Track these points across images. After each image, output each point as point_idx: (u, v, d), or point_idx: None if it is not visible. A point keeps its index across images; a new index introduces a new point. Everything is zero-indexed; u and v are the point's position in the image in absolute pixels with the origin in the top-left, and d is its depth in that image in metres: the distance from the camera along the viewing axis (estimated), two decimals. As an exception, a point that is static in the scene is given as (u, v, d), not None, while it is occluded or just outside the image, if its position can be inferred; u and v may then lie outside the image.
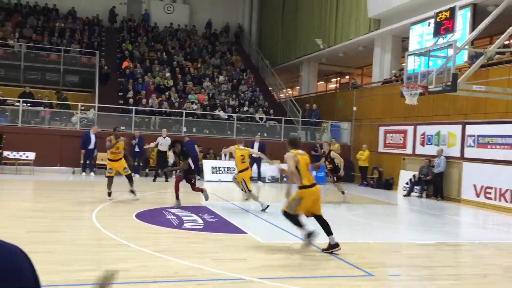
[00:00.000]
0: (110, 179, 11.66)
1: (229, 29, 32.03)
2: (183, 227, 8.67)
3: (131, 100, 21.05)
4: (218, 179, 18.47)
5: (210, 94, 23.76)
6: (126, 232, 7.86)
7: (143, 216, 9.59)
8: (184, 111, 20.87)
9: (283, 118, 22.47)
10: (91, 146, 17.79)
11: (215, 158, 19.71)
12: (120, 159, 11.76)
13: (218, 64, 27.33)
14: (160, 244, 7.15)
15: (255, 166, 18.55)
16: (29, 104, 19.18)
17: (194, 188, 11.34)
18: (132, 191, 11.77)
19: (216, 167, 18.97)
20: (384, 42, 21.69)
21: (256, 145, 18.67)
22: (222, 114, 21.91)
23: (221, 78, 25.79)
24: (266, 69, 29.48)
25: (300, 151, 7.30)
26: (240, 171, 11.21)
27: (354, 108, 22.02)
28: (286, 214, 7.10)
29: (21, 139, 17.46)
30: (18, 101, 18.89)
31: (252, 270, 5.87)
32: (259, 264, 6.24)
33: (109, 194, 11.65)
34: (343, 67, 29.43)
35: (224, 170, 18.85)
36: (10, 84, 21.55)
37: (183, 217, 9.62)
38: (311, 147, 20.72)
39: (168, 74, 24.53)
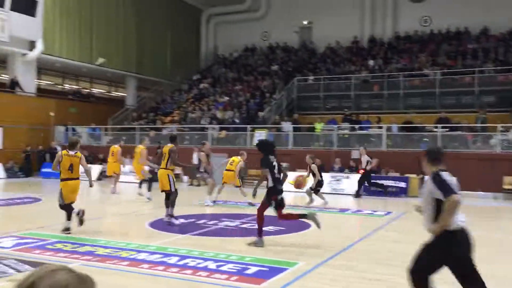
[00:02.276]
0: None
1: None
2: None
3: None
4: None
5: None
6: None
7: None
8: None
9: None
10: None
11: None
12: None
13: None
14: None
15: None
16: (446, 129, 19.41)
17: (280, 215, 7.61)
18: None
19: None
20: None
21: None
22: None
23: None
24: None
25: (71, 152, 8.46)
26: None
27: None
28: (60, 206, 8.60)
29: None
30: (436, 127, 19.45)
31: None
32: None
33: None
34: None
35: None
36: (427, 111, 22.45)
37: None
38: None
39: None
